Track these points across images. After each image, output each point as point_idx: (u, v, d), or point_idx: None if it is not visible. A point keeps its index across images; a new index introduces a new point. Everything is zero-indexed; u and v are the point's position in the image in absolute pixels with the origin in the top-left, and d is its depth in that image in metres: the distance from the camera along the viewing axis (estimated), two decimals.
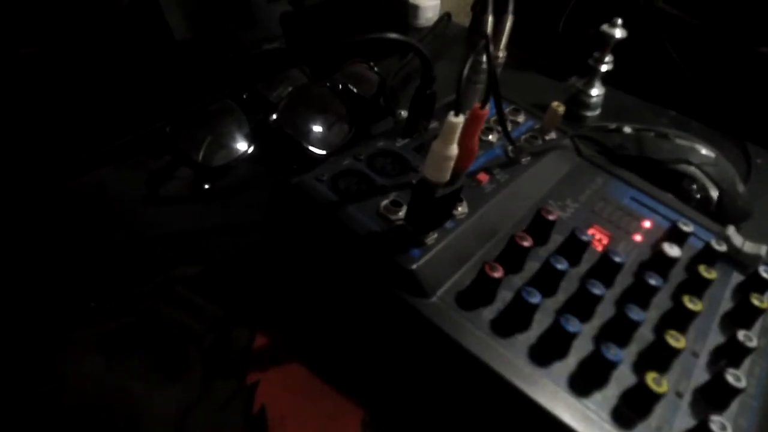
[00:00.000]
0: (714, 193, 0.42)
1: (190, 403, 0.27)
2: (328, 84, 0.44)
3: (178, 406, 0.27)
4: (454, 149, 0.25)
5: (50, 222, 0.36)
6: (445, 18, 0.66)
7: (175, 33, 0.49)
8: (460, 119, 0.25)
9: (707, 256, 0.33)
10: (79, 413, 0.26)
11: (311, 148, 0.41)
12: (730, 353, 0.28)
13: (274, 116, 0.40)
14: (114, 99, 0.43)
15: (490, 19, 0.37)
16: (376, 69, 0.48)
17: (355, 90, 0.46)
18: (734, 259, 0.34)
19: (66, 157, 0.39)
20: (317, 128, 0.42)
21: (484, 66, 0.35)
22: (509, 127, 0.36)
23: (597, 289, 0.28)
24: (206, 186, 0.39)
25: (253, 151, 0.41)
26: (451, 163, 0.26)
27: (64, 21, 0.43)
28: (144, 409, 0.26)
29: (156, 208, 0.38)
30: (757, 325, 0.31)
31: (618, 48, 0.50)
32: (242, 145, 0.41)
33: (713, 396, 0.26)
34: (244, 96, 0.43)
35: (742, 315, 0.30)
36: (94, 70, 0.44)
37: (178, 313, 0.31)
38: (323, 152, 0.41)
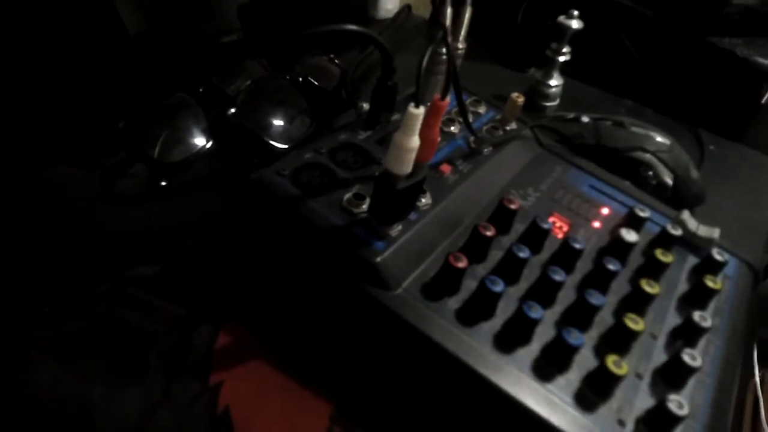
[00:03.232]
0: (669, 180, 0.43)
1: (152, 407, 0.26)
2: (287, 77, 0.43)
3: (139, 410, 0.26)
4: (415, 141, 0.25)
5: (0, 222, 0.35)
6: (405, 10, 0.66)
7: (128, 26, 0.48)
8: (421, 110, 0.25)
9: (663, 240, 0.34)
10: (35, 421, 0.25)
11: (272, 142, 0.40)
12: (687, 334, 0.29)
13: (233, 110, 0.39)
14: (65, 94, 0.42)
15: (449, 10, 0.37)
16: (336, 61, 0.48)
17: (315, 83, 0.45)
18: (689, 242, 0.35)
19: (15, 155, 0.37)
20: (278, 122, 0.41)
21: (444, 57, 0.35)
22: (470, 118, 0.37)
23: (558, 276, 0.28)
24: (163, 183, 0.38)
25: (211, 146, 0.40)
26: (413, 155, 0.26)
27: (9, 12, 0.41)
28: (103, 414, 0.25)
29: (111, 206, 0.37)
30: (712, 306, 0.32)
31: (575, 39, 0.51)
32: (200, 140, 0.40)
33: (671, 376, 0.27)
34: (201, 89, 0.42)
35: (697, 296, 0.31)
36: (43, 65, 0.42)
37: (135, 315, 0.30)
38: (284, 146, 0.40)
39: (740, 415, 0.29)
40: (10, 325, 0.29)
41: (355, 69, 0.50)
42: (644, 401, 0.26)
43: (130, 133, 0.38)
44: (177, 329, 0.30)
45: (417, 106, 0.24)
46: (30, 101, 0.41)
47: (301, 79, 0.44)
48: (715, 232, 0.35)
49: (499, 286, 0.27)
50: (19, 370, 0.27)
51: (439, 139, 0.28)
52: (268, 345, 0.30)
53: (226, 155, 0.41)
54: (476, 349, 0.26)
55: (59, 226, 0.35)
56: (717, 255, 0.33)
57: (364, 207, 0.29)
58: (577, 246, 0.30)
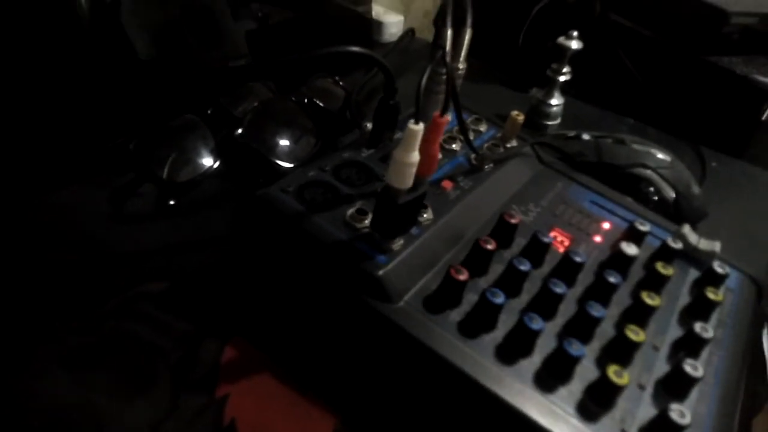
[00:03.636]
0: (670, 195, 0.44)
1: (159, 419, 0.27)
2: (293, 98, 0.45)
3: (147, 422, 0.26)
4: (415, 156, 0.26)
5: (14, 241, 0.36)
6: (408, 34, 0.68)
7: (138, 52, 0.49)
8: (420, 127, 0.25)
9: (664, 253, 0.34)
10: (43, 431, 0.25)
11: (278, 161, 0.41)
12: (689, 345, 0.29)
13: (240, 131, 0.40)
14: (77, 116, 0.43)
15: (449, 32, 0.38)
16: (341, 83, 0.49)
17: (320, 104, 0.46)
18: (690, 255, 0.35)
19: (27, 176, 0.38)
20: (284, 142, 0.42)
21: (444, 77, 0.36)
22: (472, 136, 0.37)
23: (559, 288, 0.29)
24: (171, 202, 0.39)
25: (219, 166, 0.41)
26: (413, 170, 0.26)
27: (24, 38, 0.42)
28: (111, 425, 0.26)
29: (121, 225, 0.38)
30: (714, 317, 0.32)
31: (575, 59, 0.52)
32: (208, 161, 0.41)
33: (673, 386, 0.27)
34: (209, 111, 0.43)
35: (699, 308, 0.32)
36: (54, 87, 0.44)
37: (143, 329, 0.30)
38: (290, 165, 0.41)
39: (747, 426, 0.28)
40: (21, 340, 0.29)
41: (359, 90, 0.51)
42: (647, 411, 0.26)
43: (140, 153, 0.39)
44: (184, 344, 0.30)
45: (416, 123, 0.25)
46: (42, 123, 0.42)
47: (306, 100, 0.45)
48: (716, 246, 0.35)
49: (500, 299, 0.27)
50: (26, 381, 0.27)
51: (439, 154, 0.28)
52: (273, 359, 0.31)
53: (233, 175, 0.41)
54: (478, 361, 0.26)
55: (70, 245, 0.36)
56: (718, 268, 0.33)
57: (367, 222, 0.30)
58: (578, 259, 0.31)
